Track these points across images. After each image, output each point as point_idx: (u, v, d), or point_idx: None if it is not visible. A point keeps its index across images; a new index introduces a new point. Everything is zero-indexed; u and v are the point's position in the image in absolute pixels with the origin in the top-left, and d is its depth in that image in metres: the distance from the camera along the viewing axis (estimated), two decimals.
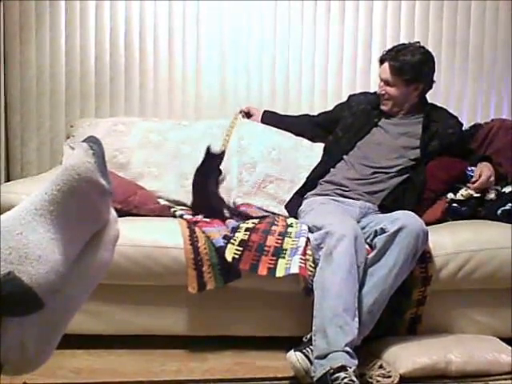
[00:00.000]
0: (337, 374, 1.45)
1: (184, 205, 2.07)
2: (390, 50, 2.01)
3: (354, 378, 1.45)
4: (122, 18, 2.40)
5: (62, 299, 0.94)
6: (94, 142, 0.97)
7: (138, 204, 1.92)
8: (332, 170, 2.02)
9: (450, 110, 2.15)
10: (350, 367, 1.47)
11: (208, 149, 1.91)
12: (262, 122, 2.26)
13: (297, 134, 2.24)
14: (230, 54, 2.43)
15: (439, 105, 2.14)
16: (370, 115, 2.05)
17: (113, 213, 1.04)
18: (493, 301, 1.82)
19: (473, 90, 2.51)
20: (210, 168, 1.92)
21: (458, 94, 2.51)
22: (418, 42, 2.04)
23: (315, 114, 2.29)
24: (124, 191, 1.91)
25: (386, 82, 1.99)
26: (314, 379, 1.50)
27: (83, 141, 0.98)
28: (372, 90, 2.22)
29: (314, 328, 1.56)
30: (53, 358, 1.02)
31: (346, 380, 1.43)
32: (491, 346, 1.69)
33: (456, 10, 2.47)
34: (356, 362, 1.50)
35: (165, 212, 1.97)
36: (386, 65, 1.98)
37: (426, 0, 2.46)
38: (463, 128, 2.16)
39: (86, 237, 0.98)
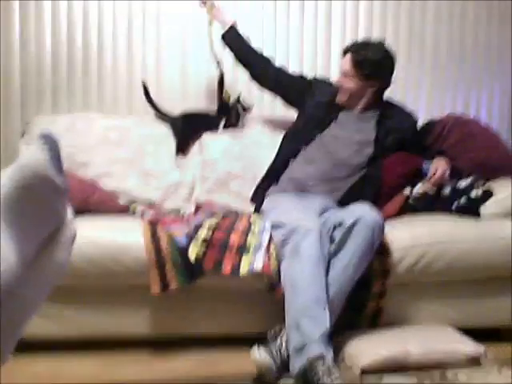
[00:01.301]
0: (315, 364, 1.46)
1: (147, 202, 2.07)
2: (354, 43, 2.03)
3: (332, 367, 1.47)
4: (79, 11, 2.35)
5: (18, 301, 0.92)
6: (48, 138, 0.95)
7: (96, 203, 1.91)
8: (292, 162, 2.02)
9: (407, 105, 2.18)
10: (327, 356, 1.49)
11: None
12: (227, 34, 2.15)
13: (251, 68, 2.14)
14: (191, 49, 2.42)
15: (395, 101, 2.15)
16: (330, 109, 2.06)
17: (69, 211, 1.02)
18: (449, 292, 1.86)
19: (429, 84, 2.57)
20: None
21: (414, 89, 2.56)
22: (383, 41, 2.06)
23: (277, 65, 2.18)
24: (82, 190, 1.89)
25: (345, 74, 2.00)
26: (294, 373, 1.51)
27: (38, 137, 0.96)
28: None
29: (286, 324, 1.57)
30: (11, 363, 0.99)
31: (324, 368, 1.45)
32: (448, 336, 1.73)
33: (413, 3, 2.53)
34: (331, 350, 1.53)
35: (125, 211, 1.96)
36: (348, 56, 1.99)
37: None
38: (418, 124, 2.19)
39: (42, 236, 0.96)
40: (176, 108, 2.33)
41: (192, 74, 2.41)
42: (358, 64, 1.98)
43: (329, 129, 2.03)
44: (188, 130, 2.19)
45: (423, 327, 1.81)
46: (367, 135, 2.03)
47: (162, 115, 2.23)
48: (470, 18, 2.57)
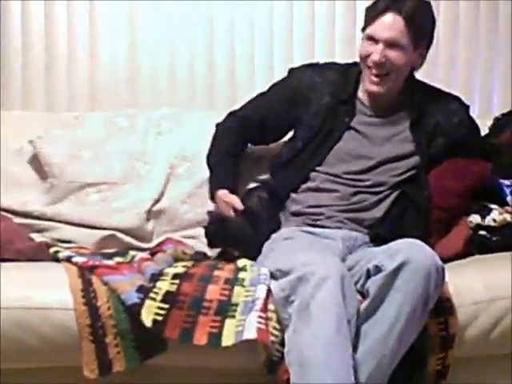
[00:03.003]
0: None
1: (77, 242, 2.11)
2: None
3: None
4: None
5: None
6: None
7: None
8: (293, 195, 2.04)
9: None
10: None
11: None
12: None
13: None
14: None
15: (430, 84, 2.15)
16: (338, 114, 2.06)
17: None
18: None
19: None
20: None
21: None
22: None
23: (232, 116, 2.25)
24: None
25: (390, 44, 1.96)
26: None
27: None
28: None
29: None
30: None
31: None
32: None
33: None
34: None
35: (42, 254, 1.96)
36: (394, 17, 1.94)
37: None
38: (489, 118, 2.25)
39: None
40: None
41: None
42: (412, 24, 1.94)
43: (341, 143, 2.05)
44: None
45: None
46: (404, 143, 2.04)
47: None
48: None
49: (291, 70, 2.18)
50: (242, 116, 2.20)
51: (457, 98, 2.14)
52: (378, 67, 1.99)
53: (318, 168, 2.03)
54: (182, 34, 2.73)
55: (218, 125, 2.23)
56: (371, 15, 1.99)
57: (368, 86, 2.03)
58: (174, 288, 1.70)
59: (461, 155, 2.06)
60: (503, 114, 2.32)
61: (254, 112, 2.18)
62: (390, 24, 1.95)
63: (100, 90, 2.73)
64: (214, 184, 2.16)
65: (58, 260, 1.90)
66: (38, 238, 2.06)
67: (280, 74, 2.56)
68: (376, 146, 2.04)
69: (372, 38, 1.98)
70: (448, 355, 1.74)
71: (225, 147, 2.19)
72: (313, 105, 2.09)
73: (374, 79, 2.01)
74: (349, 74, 2.08)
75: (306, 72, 2.14)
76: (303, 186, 2.04)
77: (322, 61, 2.25)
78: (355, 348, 1.62)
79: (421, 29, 1.98)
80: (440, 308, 1.72)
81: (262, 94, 2.22)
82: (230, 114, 2.23)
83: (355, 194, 1.99)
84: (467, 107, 2.14)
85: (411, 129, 2.05)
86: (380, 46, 1.97)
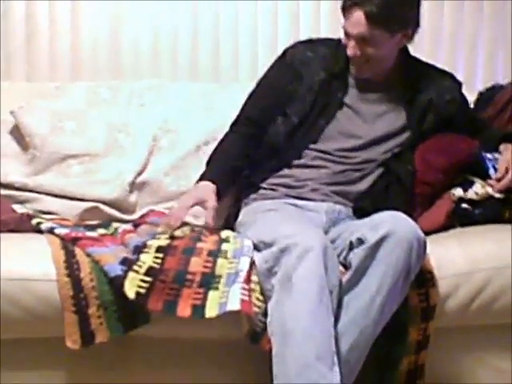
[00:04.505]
0: None
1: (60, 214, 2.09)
2: None
3: None
4: None
5: None
6: None
7: None
8: (284, 170, 2.03)
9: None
10: None
11: None
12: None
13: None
14: None
15: (423, 60, 2.13)
16: (332, 89, 2.04)
17: None
18: None
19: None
20: None
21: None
22: None
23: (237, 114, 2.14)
24: None
25: (362, 39, 1.94)
26: None
27: None
28: None
29: None
30: None
31: None
32: None
33: None
34: None
35: (24, 225, 1.95)
36: (359, 14, 1.92)
37: None
38: (475, 91, 2.26)
39: None
40: None
41: None
42: (379, 18, 1.90)
43: (334, 121, 2.04)
44: None
45: None
46: (396, 120, 2.04)
47: None
48: None
49: (285, 50, 2.15)
50: (247, 117, 2.11)
51: (450, 75, 2.14)
52: (356, 59, 1.98)
53: (311, 146, 2.03)
54: (165, 4, 2.69)
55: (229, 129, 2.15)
56: (342, 11, 1.96)
57: (353, 71, 2.03)
58: (157, 261, 1.69)
59: (450, 131, 2.06)
60: (487, 89, 2.33)
61: (257, 109, 2.10)
62: (357, 21, 1.91)
63: (82, 60, 2.67)
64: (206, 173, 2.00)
65: (40, 231, 1.90)
66: (19, 209, 2.05)
67: (264, 46, 2.57)
68: (368, 124, 2.03)
69: (346, 33, 1.97)
70: (429, 326, 1.76)
71: (232, 147, 2.08)
72: (305, 80, 2.05)
73: (357, 67, 2.01)
74: (341, 48, 2.03)
75: (298, 48, 2.12)
76: (294, 162, 2.03)
77: (308, 35, 2.23)
78: (337, 319, 1.63)
79: (393, 17, 1.91)
80: (421, 280, 1.74)
81: (259, 85, 2.14)
82: (237, 119, 2.15)
83: (344, 171, 2.00)
84: (460, 84, 2.14)
85: (405, 105, 2.05)
86: (352, 41, 1.95)
